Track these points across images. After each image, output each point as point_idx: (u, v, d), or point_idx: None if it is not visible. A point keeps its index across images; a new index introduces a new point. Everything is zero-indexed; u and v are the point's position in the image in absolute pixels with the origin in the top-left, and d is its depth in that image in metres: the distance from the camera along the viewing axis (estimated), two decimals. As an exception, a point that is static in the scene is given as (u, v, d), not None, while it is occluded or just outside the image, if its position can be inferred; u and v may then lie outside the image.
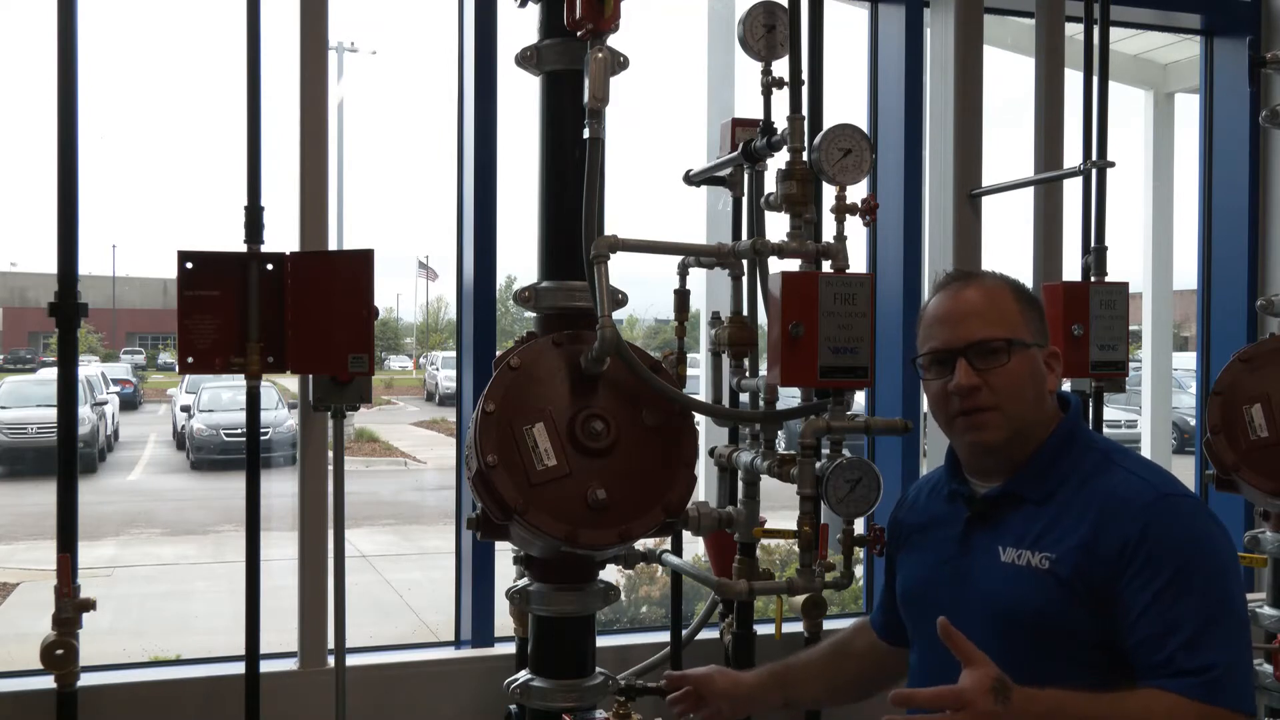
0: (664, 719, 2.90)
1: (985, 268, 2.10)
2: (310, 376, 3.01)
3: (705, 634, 3.18)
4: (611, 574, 2.67)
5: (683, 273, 2.87)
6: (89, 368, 20.24)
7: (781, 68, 2.56)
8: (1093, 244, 3.46)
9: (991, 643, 1.62)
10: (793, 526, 2.48)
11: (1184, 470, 6.03)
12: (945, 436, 1.94)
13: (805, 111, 2.51)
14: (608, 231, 2.26)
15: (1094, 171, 3.41)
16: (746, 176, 2.81)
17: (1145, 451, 8.33)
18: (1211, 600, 1.59)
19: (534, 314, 2.49)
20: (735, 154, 2.71)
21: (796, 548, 2.49)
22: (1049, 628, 1.67)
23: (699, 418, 2.55)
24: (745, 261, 2.74)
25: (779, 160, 2.55)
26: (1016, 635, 1.68)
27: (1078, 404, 1.86)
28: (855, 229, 2.47)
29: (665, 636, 3.12)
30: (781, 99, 2.54)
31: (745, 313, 2.81)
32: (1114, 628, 1.63)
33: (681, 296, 2.89)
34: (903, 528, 2.05)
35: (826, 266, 2.41)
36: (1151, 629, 1.59)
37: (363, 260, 2.85)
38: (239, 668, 2.91)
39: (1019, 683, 1.55)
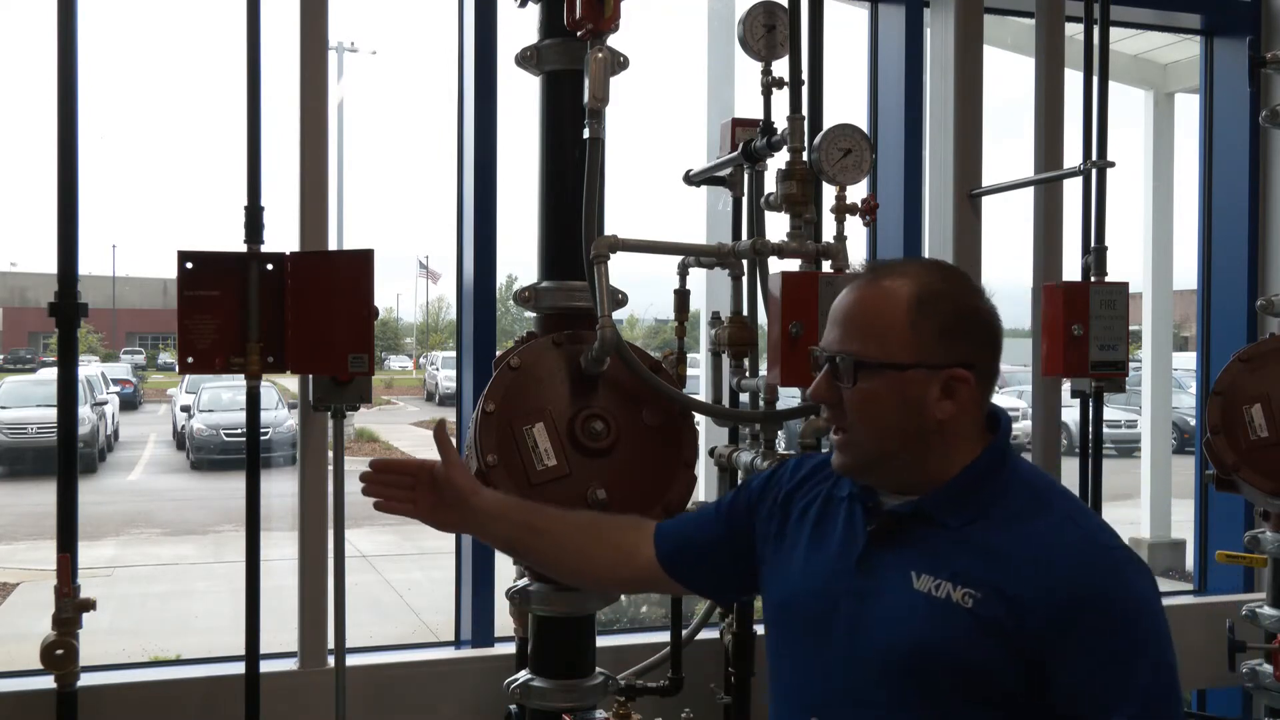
0: (664, 719, 2.90)
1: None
2: (310, 376, 3.01)
3: (705, 634, 3.17)
4: (611, 574, 2.66)
5: (683, 273, 2.88)
6: (89, 368, 20.25)
7: (781, 68, 2.56)
8: (1093, 244, 3.47)
9: (891, 680, 1.51)
10: (793, 526, 2.48)
11: (1184, 470, 6.03)
12: None
13: (805, 111, 2.51)
14: (608, 231, 2.26)
15: (1094, 171, 3.41)
16: (746, 176, 2.81)
17: (1145, 451, 8.35)
18: (1157, 681, 1.44)
19: (534, 314, 2.49)
20: (735, 154, 2.71)
21: (796, 548, 2.48)
22: (964, 670, 1.48)
23: (699, 418, 2.55)
24: (745, 261, 2.74)
25: (779, 160, 2.56)
26: (924, 674, 1.50)
27: (1007, 426, 1.62)
28: (855, 229, 2.48)
29: (665, 636, 3.12)
30: (781, 99, 2.55)
31: (745, 313, 2.81)
32: (1038, 684, 1.46)
33: (681, 296, 2.90)
34: (786, 501, 1.76)
35: (826, 266, 2.41)
36: (1086, 703, 1.43)
37: (363, 260, 2.85)
38: (239, 668, 2.91)
39: None
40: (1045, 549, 1.48)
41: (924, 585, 1.52)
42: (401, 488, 1.86)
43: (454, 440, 1.89)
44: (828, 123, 2.51)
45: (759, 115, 2.64)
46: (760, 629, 2.91)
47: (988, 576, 1.48)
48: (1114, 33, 3.61)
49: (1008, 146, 4.75)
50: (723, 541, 1.82)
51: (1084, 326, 3.25)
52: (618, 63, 2.30)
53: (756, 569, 1.77)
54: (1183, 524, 8.29)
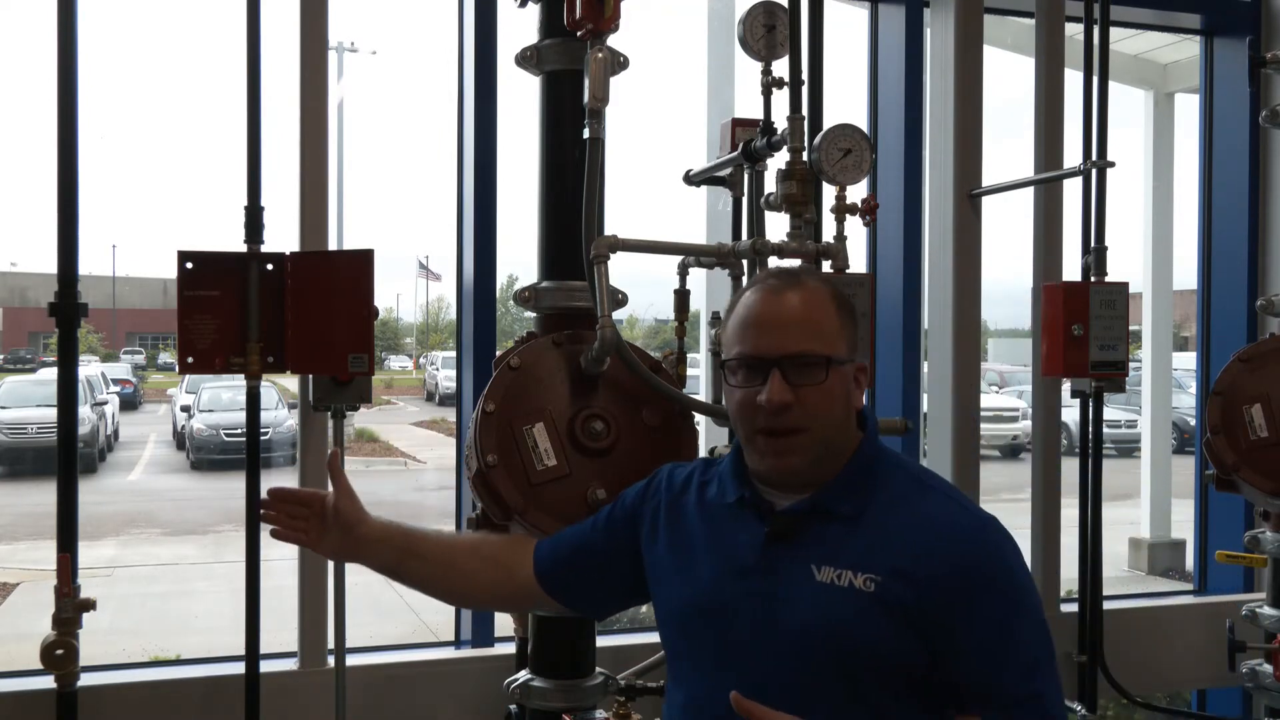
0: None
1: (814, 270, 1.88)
2: (310, 376, 3.01)
3: (705, 634, 3.17)
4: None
5: (683, 273, 2.87)
6: (89, 368, 20.24)
7: (781, 68, 2.56)
8: (1093, 244, 3.47)
9: (805, 672, 1.56)
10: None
11: (1184, 470, 6.03)
12: (746, 443, 1.67)
13: (805, 111, 2.51)
14: (608, 231, 2.26)
15: (1094, 171, 3.42)
16: (746, 176, 2.81)
17: (1145, 451, 8.36)
18: (1040, 632, 1.57)
19: (534, 314, 2.49)
20: (735, 154, 2.70)
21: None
22: (874, 653, 1.54)
23: (699, 418, 2.55)
24: (745, 261, 2.73)
25: (779, 160, 2.55)
26: (838, 662, 1.55)
27: (874, 421, 1.72)
28: (855, 229, 2.47)
29: (665, 636, 3.12)
30: (781, 99, 2.54)
31: (745, 313, 2.80)
32: (938, 657, 1.54)
33: (681, 296, 2.89)
34: (670, 510, 1.79)
35: (826, 266, 2.41)
36: (988, 660, 1.54)
37: (363, 260, 2.85)
38: (239, 668, 2.91)
39: (831, 716, 1.52)
40: (934, 526, 1.59)
41: (826, 577, 1.58)
42: (298, 517, 1.93)
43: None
44: (828, 123, 2.51)
45: (759, 115, 2.64)
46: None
47: (885, 559, 1.56)
48: (1114, 33, 3.62)
49: (1008, 146, 4.76)
50: (604, 555, 1.87)
51: (1084, 326, 3.25)
52: (618, 63, 2.30)
53: (642, 579, 1.81)
54: (1183, 524, 8.30)
